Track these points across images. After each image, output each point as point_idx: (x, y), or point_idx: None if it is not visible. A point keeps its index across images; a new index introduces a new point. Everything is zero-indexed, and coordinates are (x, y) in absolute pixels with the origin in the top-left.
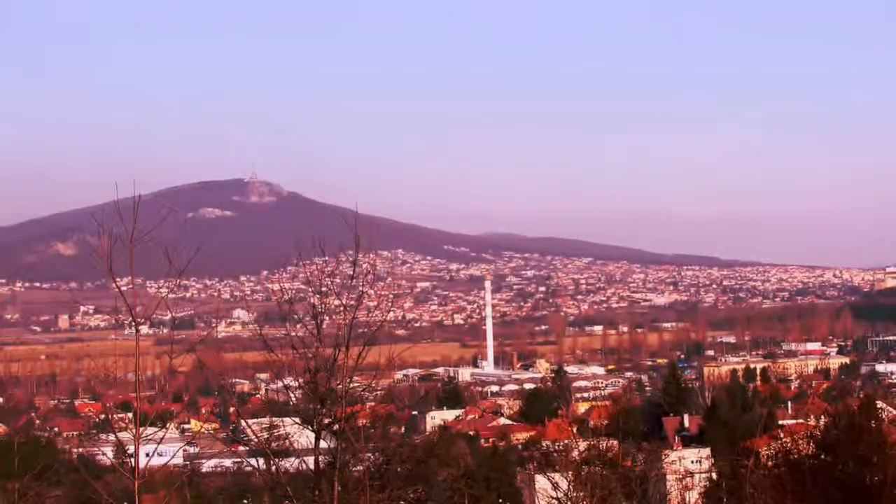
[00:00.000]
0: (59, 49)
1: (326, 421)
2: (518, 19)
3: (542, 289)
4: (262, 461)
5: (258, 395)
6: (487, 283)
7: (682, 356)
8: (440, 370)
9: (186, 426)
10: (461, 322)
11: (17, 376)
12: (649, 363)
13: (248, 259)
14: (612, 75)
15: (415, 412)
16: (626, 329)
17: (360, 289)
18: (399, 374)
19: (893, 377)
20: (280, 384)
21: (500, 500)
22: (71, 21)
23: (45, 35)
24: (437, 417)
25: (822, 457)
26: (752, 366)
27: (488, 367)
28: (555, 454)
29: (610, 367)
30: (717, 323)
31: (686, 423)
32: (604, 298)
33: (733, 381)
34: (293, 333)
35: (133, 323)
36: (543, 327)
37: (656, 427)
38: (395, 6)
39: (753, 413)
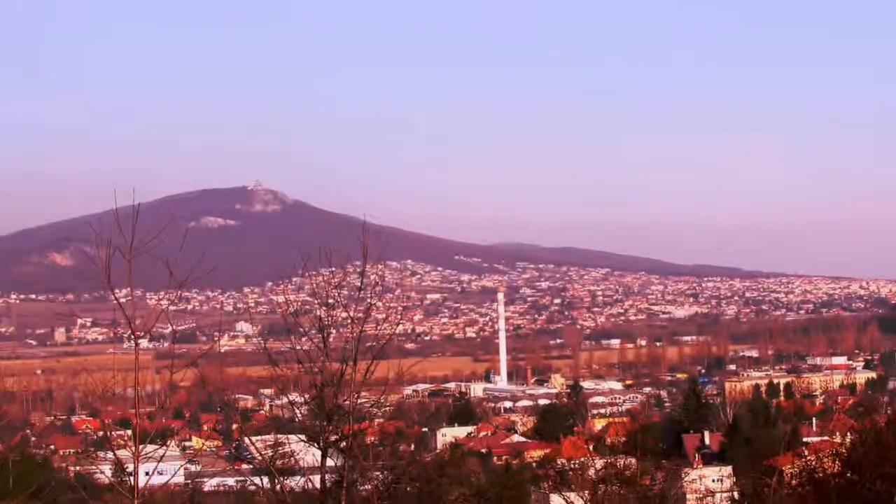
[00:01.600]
0: (58, 51)
1: (333, 438)
2: (524, 18)
3: (558, 301)
4: (266, 480)
5: (262, 412)
6: (500, 295)
7: (703, 371)
8: (451, 385)
9: (188, 443)
10: (473, 335)
11: (11, 391)
12: (669, 378)
13: (251, 270)
14: (626, 77)
15: (425, 429)
16: (644, 343)
17: (369, 301)
18: (409, 390)
19: None
20: (285, 400)
21: None
22: (70, 23)
23: (43, 37)
24: (448, 434)
25: (848, 475)
26: (775, 381)
27: (501, 381)
28: (570, 473)
29: (628, 382)
30: (739, 336)
31: (707, 441)
32: (621, 311)
33: (756, 397)
34: (299, 347)
35: (132, 336)
36: (558, 341)
37: (676, 444)
38: (402, 6)
39: (777, 430)
